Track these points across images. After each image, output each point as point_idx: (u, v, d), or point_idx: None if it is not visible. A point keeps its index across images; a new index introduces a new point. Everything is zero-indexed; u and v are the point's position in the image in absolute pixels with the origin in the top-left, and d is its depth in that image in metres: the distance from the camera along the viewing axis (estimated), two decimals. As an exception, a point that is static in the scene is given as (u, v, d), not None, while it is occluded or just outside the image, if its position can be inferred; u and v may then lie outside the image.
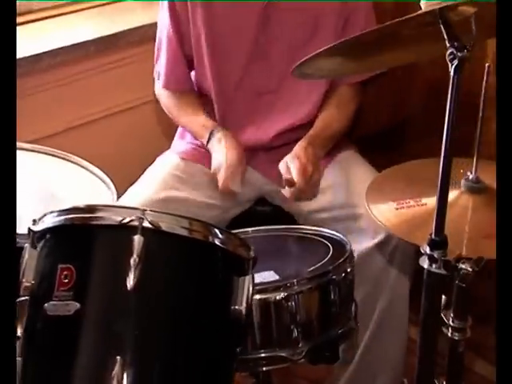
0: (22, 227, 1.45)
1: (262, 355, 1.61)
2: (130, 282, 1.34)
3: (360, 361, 2.04)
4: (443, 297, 1.69)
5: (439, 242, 1.47)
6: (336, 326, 1.68)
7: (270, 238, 1.88)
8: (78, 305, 1.34)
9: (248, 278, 1.48)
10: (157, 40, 2.23)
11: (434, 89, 2.21)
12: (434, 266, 1.49)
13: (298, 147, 2.06)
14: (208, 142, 2.12)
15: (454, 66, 1.38)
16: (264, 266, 1.65)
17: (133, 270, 1.34)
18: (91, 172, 1.93)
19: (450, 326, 1.66)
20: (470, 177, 1.67)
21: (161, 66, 2.22)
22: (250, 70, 2.11)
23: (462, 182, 1.67)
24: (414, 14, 1.39)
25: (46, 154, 1.99)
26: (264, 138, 2.17)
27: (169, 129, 2.42)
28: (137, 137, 2.61)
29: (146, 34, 2.50)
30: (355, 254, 1.77)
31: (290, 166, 1.99)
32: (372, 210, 1.66)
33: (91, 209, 1.41)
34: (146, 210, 1.38)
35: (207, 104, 2.21)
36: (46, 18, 2.54)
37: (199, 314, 1.43)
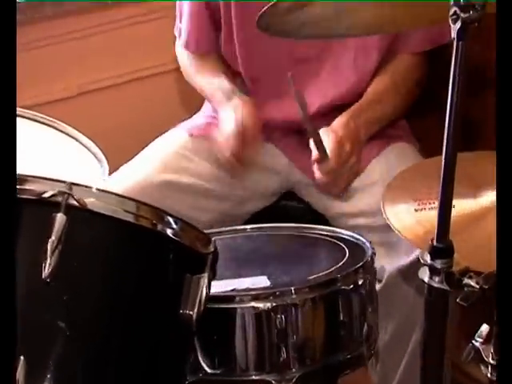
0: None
1: (240, 378, 1.37)
2: (46, 268, 1.14)
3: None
4: (484, 326, 1.40)
5: (442, 250, 1.18)
6: (340, 350, 1.41)
7: (273, 239, 1.63)
8: (-19, 292, 1.15)
9: (203, 278, 1.24)
10: None
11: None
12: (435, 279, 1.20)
13: (338, 121, 1.74)
14: (220, 105, 1.84)
15: (456, 31, 1.09)
16: (257, 271, 1.45)
17: (50, 254, 1.14)
18: (83, 144, 1.66)
19: (489, 364, 1.34)
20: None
21: (183, 24, 1.95)
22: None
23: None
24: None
25: (31, 119, 1.72)
26: (290, 118, 1.82)
27: (191, 104, 2.14)
28: (150, 111, 2.29)
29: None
30: (386, 274, 1.54)
31: (324, 138, 1.69)
32: (387, 213, 1.36)
33: (20, 179, 1.18)
34: (74, 185, 1.17)
35: (234, 75, 1.92)
36: None
37: (136, 317, 1.21)
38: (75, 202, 1.14)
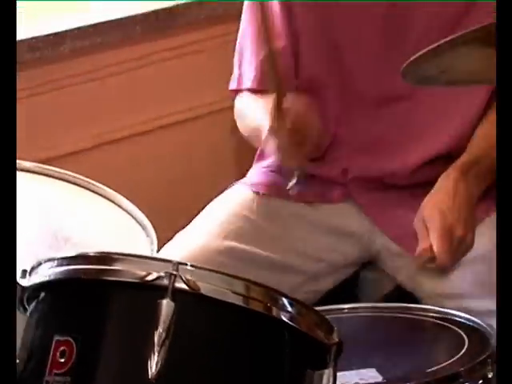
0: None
1: None
2: (153, 366, 0.98)
3: None
4: None
5: None
6: None
7: (375, 321, 1.50)
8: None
9: (327, 374, 1.07)
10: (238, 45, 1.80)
11: None
12: None
13: (444, 183, 1.58)
14: None
15: None
16: (363, 361, 1.31)
17: (157, 349, 0.98)
18: (123, 209, 1.49)
19: None
20: None
21: (245, 66, 1.77)
22: (376, 68, 1.67)
23: None
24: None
25: (59, 178, 1.56)
26: (384, 171, 1.68)
27: (246, 153, 1.89)
28: (196, 163, 2.08)
29: (217, 10, 2.03)
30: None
31: (430, 225, 1.54)
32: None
33: (105, 258, 1.05)
34: (181, 264, 1.01)
35: None
36: None
37: None
38: (184, 286, 0.98)
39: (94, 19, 1.94)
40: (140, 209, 1.44)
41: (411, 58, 1.09)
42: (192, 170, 2.02)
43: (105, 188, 1.51)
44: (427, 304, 1.58)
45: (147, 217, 1.42)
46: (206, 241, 1.62)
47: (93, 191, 1.53)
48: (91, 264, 1.03)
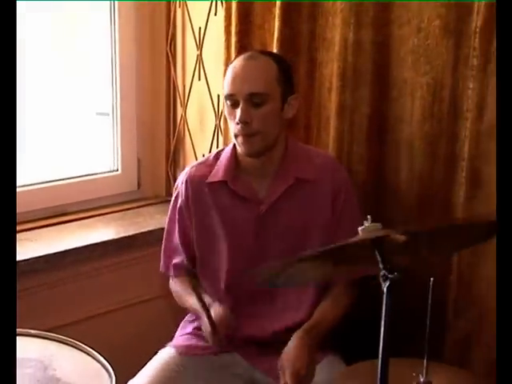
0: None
1: None
2: None
3: None
4: None
5: None
6: None
7: None
8: None
9: None
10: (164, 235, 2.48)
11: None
12: None
13: (294, 341, 2.18)
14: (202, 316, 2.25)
15: (386, 287, 1.54)
16: None
17: None
18: (97, 360, 2.13)
19: None
20: (422, 380, 1.77)
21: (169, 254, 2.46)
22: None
23: (413, 384, 1.76)
24: (353, 241, 1.56)
25: (55, 340, 2.22)
26: (261, 334, 2.32)
27: (176, 321, 2.58)
28: (147, 329, 2.81)
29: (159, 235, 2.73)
30: None
31: (286, 370, 2.12)
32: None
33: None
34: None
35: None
36: (77, 219, 2.89)
37: None
38: None
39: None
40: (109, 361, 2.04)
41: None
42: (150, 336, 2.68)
43: (84, 346, 2.14)
44: None
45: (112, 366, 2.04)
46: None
47: (76, 348, 2.17)
48: None
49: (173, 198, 2.44)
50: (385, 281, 1.53)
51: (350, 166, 2.49)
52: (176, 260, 2.44)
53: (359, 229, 1.59)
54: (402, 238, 1.58)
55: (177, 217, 2.41)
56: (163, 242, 2.48)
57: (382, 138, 2.46)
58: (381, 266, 1.54)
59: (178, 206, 2.39)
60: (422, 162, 2.38)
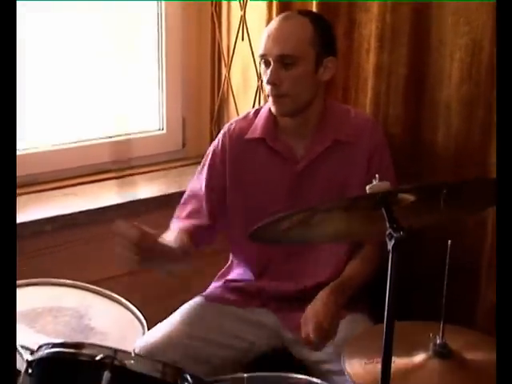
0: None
1: None
2: None
3: None
4: None
5: None
6: None
7: None
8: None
9: None
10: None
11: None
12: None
13: (321, 296, 2.21)
14: None
15: (391, 245, 1.54)
16: None
17: None
18: (130, 311, 2.28)
19: None
20: (438, 341, 1.77)
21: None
22: None
23: (430, 346, 1.77)
24: (361, 196, 1.56)
25: (91, 291, 2.38)
26: (287, 290, 2.35)
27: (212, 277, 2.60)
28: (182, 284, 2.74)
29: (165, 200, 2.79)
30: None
31: (309, 323, 2.15)
32: (345, 364, 1.80)
33: (78, 345, 1.66)
34: (118, 351, 1.61)
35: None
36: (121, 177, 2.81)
37: None
38: (118, 363, 1.58)
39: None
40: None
41: (260, 224, 1.66)
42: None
43: (119, 298, 2.29)
44: (312, 367, 2.20)
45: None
46: (173, 329, 2.27)
47: (111, 299, 2.32)
48: (67, 348, 1.63)
49: (208, 155, 2.45)
50: (390, 239, 1.53)
51: (387, 128, 2.47)
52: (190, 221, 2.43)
53: (367, 187, 1.60)
54: (410, 197, 1.57)
55: (207, 172, 2.42)
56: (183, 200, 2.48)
57: (419, 99, 2.43)
58: (387, 224, 1.53)
59: (211, 160, 2.41)
60: (459, 124, 2.35)
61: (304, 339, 2.12)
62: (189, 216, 2.40)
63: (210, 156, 2.43)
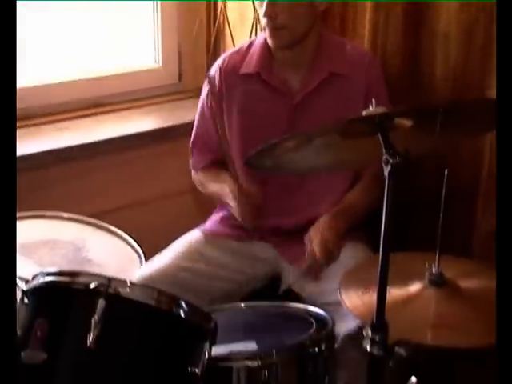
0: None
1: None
2: (90, 339, 1.55)
3: None
4: (413, 378, 1.82)
5: (379, 326, 1.57)
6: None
7: (261, 313, 2.06)
8: (45, 355, 1.56)
9: (206, 344, 1.66)
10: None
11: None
12: (375, 348, 1.58)
13: (324, 219, 2.21)
14: (228, 198, 2.30)
15: (388, 171, 1.52)
16: (248, 338, 1.85)
17: (93, 328, 1.55)
18: (128, 243, 2.27)
19: None
20: (433, 271, 1.77)
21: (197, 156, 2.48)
22: None
23: (426, 275, 1.77)
24: (355, 118, 1.54)
25: (89, 224, 2.36)
26: (287, 224, 2.34)
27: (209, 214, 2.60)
28: (179, 220, 2.74)
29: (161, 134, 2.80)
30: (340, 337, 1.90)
31: (313, 240, 2.16)
32: (342, 295, 1.80)
33: (73, 273, 1.64)
34: (113, 279, 1.60)
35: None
36: (116, 110, 2.91)
37: (159, 373, 1.61)
38: (112, 291, 1.57)
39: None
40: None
41: (253, 152, 1.65)
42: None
43: (117, 230, 2.28)
44: (308, 299, 2.18)
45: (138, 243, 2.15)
46: (170, 261, 2.28)
47: (109, 231, 2.31)
48: (62, 277, 1.62)
49: (204, 91, 2.43)
50: (386, 165, 1.51)
51: (386, 59, 2.44)
52: (205, 155, 2.45)
53: (363, 112, 1.57)
54: (407, 122, 1.55)
55: (208, 106, 2.40)
56: (192, 136, 2.48)
57: (418, 29, 2.39)
58: (383, 149, 1.51)
59: (210, 96, 2.38)
60: (458, 52, 2.32)
61: (308, 257, 2.12)
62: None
63: (205, 96, 2.42)
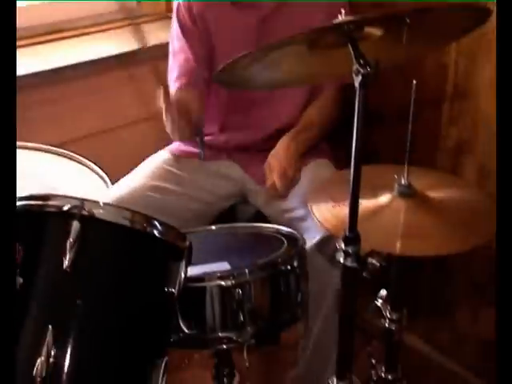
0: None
1: (210, 336, 1.79)
2: (66, 261, 1.55)
3: (313, 349, 2.20)
4: (383, 290, 1.85)
5: (352, 239, 1.60)
6: (282, 312, 1.84)
7: (233, 234, 2.08)
8: (21, 280, 1.55)
9: (182, 264, 1.66)
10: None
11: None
12: (348, 259, 1.61)
13: (282, 144, 2.24)
14: None
15: (358, 82, 1.51)
16: (221, 259, 1.87)
17: (68, 250, 1.55)
18: (93, 170, 2.22)
19: (386, 317, 1.83)
20: (403, 182, 1.79)
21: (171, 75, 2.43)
22: None
23: (395, 186, 1.80)
24: (324, 26, 1.52)
25: (52, 153, 2.31)
26: (252, 140, 2.36)
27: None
28: (145, 147, 2.70)
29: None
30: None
31: (273, 170, 2.19)
32: (313, 209, 1.81)
33: (45, 197, 1.61)
34: (85, 200, 1.58)
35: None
36: (74, 36, 2.86)
37: (135, 294, 1.62)
38: (86, 213, 1.56)
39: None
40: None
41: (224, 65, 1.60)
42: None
43: (81, 158, 2.23)
44: (274, 217, 2.23)
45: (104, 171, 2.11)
46: (138, 182, 2.28)
47: (74, 160, 2.25)
48: (35, 200, 1.59)
49: (174, 14, 2.40)
50: (357, 75, 1.50)
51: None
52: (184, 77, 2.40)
53: (333, 21, 1.54)
54: (377, 31, 1.54)
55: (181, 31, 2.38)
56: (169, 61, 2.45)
57: None
58: (353, 60, 1.50)
59: (181, 20, 2.36)
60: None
61: (269, 188, 2.13)
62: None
63: (177, 15, 2.39)
